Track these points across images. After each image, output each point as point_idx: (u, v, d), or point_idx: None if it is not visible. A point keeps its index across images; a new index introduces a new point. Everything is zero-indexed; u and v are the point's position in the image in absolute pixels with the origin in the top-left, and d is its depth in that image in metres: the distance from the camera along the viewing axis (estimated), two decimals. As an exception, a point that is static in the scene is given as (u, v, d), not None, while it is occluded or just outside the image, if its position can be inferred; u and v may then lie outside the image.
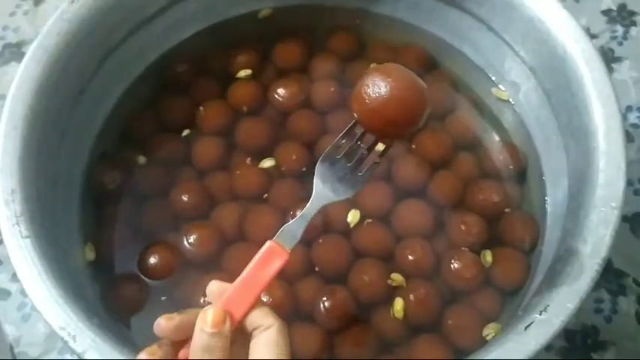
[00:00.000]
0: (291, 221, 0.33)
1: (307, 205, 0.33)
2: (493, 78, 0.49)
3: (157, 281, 0.42)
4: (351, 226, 0.43)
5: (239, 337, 0.31)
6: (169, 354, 0.30)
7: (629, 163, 0.37)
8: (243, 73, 0.49)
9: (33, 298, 0.34)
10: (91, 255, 0.42)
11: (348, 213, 0.43)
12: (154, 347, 0.30)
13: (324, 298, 0.40)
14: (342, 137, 0.34)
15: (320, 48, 0.51)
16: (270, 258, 0.32)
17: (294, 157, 0.46)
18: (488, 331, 0.40)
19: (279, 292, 0.40)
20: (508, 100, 0.48)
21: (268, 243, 0.32)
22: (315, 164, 0.34)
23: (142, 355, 0.30)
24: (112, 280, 0.42)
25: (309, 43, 0.51)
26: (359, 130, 0.34)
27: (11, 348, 0.44)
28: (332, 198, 0.34)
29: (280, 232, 0.32)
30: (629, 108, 0.54)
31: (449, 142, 0.46)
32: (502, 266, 0.42)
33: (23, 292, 0.34)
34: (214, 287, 0.32)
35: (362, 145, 0.34)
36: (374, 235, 0.43)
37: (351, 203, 0.44)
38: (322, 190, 0.34)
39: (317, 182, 0.34)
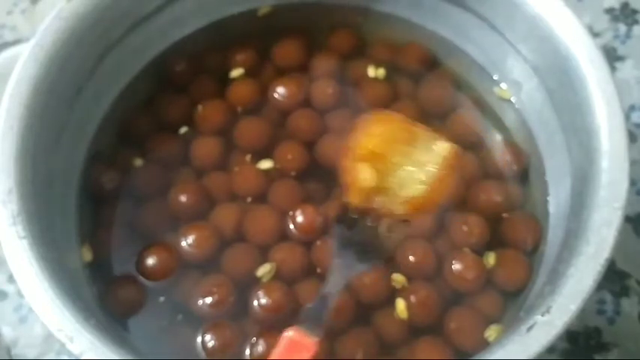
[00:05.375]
0: (312, 304, 0.27)
1: (327, 281, 0.27)
2: (495, 77, 0.48)
3: (156, 282, 0.41)
4: None
5: None
6: None
7: (633, 163, 0.36)
8: (236, 72, 0.49)
9: (30, 299, 0.33)
10: (88, 256, 0.41)
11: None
12: None
13: (325, 300, 0.40)
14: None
15: (320, 46, 0.50)
16: (293, 352, 0.26)
17: (291, 157, 0.45)
18: (490, 332, 0.39)
19: (279, 293, 0.39)
20: (510, 99, 0.48)
21: (287, 334, 0.26)
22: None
23: None
24: (110, 282, 0.41)
25: (310, 42, 0.50)
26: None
27: (8, 350, 0.44)
28: (358, 267, 0.26)
29: (301, 317, 0.27)
30: (631, 107, 0.53)
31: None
32: (504, 267, 0.41)
33: (20, 294, 0.34)
34: None
35: None
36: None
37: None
38: (344, 259, 0.27)
39: (336, 249, 0.27)
